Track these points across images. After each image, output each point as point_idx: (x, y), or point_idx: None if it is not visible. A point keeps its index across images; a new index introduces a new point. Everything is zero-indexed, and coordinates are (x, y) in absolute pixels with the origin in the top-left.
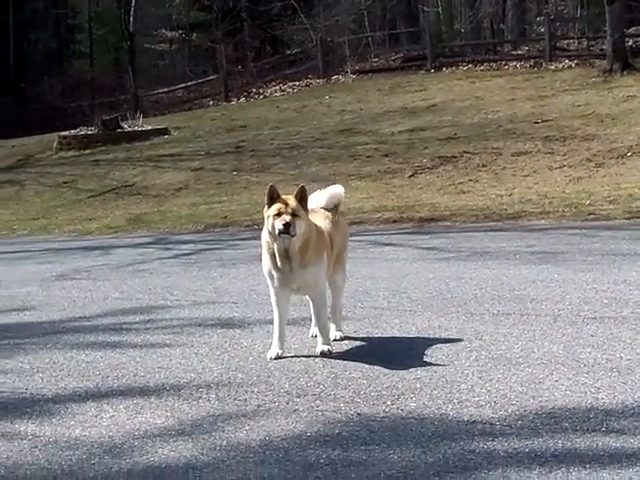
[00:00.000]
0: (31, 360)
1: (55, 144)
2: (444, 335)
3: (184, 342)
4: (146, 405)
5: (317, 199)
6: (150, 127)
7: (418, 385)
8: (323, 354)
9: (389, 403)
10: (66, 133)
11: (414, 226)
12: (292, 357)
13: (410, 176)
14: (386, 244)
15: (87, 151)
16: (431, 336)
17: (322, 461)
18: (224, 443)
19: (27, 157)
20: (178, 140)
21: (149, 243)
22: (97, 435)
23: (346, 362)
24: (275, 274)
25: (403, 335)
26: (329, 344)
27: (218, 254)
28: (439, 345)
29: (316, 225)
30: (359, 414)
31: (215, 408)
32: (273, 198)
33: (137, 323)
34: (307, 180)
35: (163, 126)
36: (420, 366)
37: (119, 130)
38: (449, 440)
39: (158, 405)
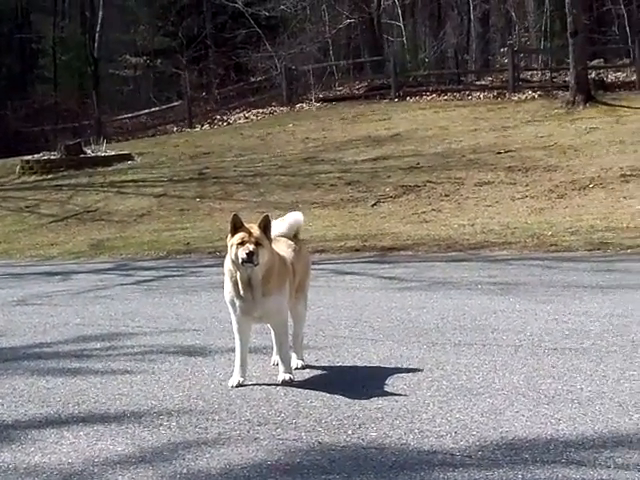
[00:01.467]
0: None
1: (18, 168)
2: (405, 365)
3: (145, 369)
4: (107, 432)
5: (278, 227)
6: (113, 152)
7: (379, 415)
8: (284, 382)
9: (350, 432)
10: (29, 157)
11: (376, 255)
12: (253, 385)
13: (373, 205)
14: (348, 273)
15: (50, 176)
16: (392, 365)
17: None
18: (184, 471)
19: None
20: (141, 166)
21: (111, 269)
22: (57, 462)
23: (307, 391)
24: (237, 302)
25: (364, 364)
26: (290, 372)
27: (180, 281)
28: (401, 374)
29: (279, 254)
30: (320, 443)
31: (176, 436)
32: (236, 227)
33: (98, 349)
34: (270, 208)
35: (126, 152)
36: (381, 395)
37: (82, 155)
38: (409, 470)
39: (119, 432)
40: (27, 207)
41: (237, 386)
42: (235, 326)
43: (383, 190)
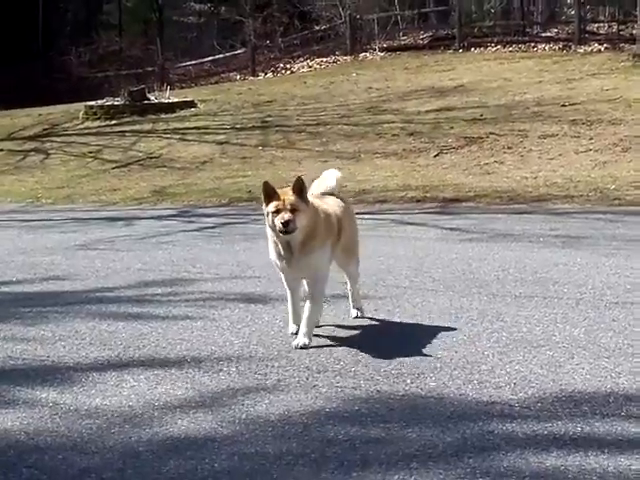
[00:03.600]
0: (53, 328)
1: (81, 114)
2: (465, 315)
3: (206, 315)
4: (167, 376)
5: (326, 183)
6: (176, 99)
7: (438, 365)
8: (298, 347)
9: (409, 382)
10: (92, 103)
11: (438, 206)
12: (313, 335)
13: (435, 156)
14: (409, 223)
15: (113, 122)
16: (452, 316)
17: (341, 437)
18: (243, 416)
19: (53, 126)
20: (204, 113)
21: (173, 215)
22: (117, 404)
23: (367, 340)
24: (279, 262)
25: (424, 314)
26: (309, 337)
27: (241, 228)
28: (460, 325)
29: (325, 211)
30: (379, 391)
31: (235, 381)
32: (270, 195)
33: (159, 295)
34: (332, 157)
35: (189, 99)
36: (441, 346)
37: (146, 102)
38: (468, 420)
39: (179, 377)
40: (90, 153)
41: (294, 333)
42: (283, 281)
43: (446, 141)
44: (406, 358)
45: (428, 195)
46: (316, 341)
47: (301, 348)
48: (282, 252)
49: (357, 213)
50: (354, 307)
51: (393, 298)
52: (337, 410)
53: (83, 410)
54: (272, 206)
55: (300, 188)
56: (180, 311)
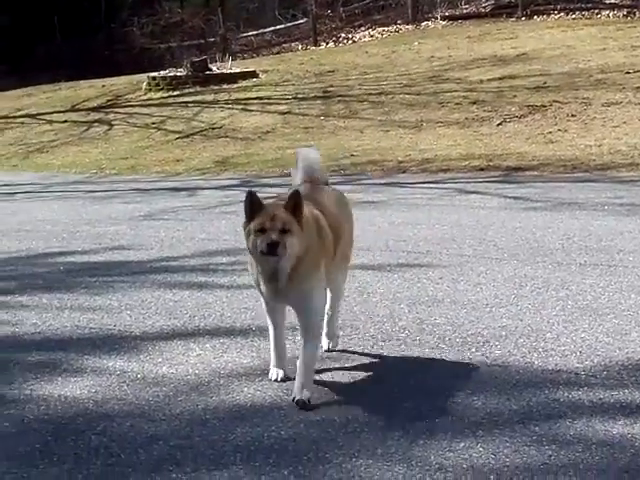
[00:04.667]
0: (119, 298)
1: (144, 85)
2: (530, 284)
3: None
4: (232, 345)
5: (305, 171)
6: (239, 70)
7: (503, 333)
8: (299, 404)
9: (474, 350)
10: (155, 74)
11: (501, 175)
12: (377, 302)
13: (498, 124)
14: (472, 192)
15: (176, 92)
16: (517, 285)
17: (406, 405)
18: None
19: (116, 97)
20: (266, 83)
21: (236, 185)
22: (184, 373)
23: (431, 308)
24: (262, 289)
25: (489, 283)
26: (309, 389)
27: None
28: (525, 294)
29: (317, 219)
30: (444, 360)
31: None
32: (254, 209)
33: (224, 264)
34: (394, 126)
35: (251, 69)
36: (505, 314)
37: (208, 72)
38: (533, 388)
39: (244, 345)
40: (153, 123)
41: (279, 381)
42: (265, 309)
43: (509, 110)
44: (471, 326)
45: (491, 164)
46: (380, 309)
47: (301, 407)
48: (266, 281)
49: (420, 183)
50: (328, 334)
51: (457, 267)
52: (402, 378)
53: (150, 378)
54: (256, 223)
55: (295, 205)
56: (244, 280)
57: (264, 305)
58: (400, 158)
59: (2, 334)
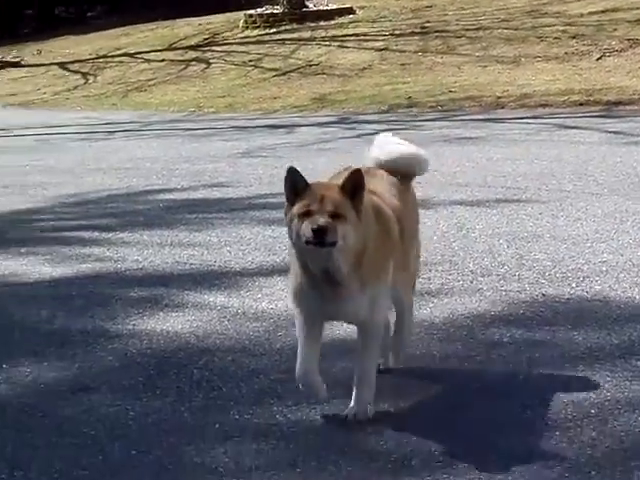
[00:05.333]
0: (219, 234)
1: (241, 23)
2: (631, 219)
3: None
4: None
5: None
6: (335, 6)
7: (604, 268)
8: (350, 419)
9: (574, 285)
10: (252, 12)
11: (601, 109)
12: (476, 237)
13: (598, 59)
14: (572, 127)
15: (272, 30)
16: (618, 220)
17: (505, 340)
18: None
19: (213, 35)
20: (363, 20)
21: (333, 122)
22: (284, 308)
23: (530, 244)
24: (307, 299)
25: (589, 218)
26: (365, 405)
27: (402, 135)
28: (626, 229)
29: (379, 209)
30: (544, 295)
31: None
32: (297, 189)
33: None
34: (492, 62)
35: (348, 5)
36: (606, 249)
37: (304, 9)
38: (634, 323)
39: None
40: (250, 61)
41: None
42: (300, 327)
43: (609, 43)
44: (571, 261)
45: (591, 99)
46: (479, 244)
47: (357, 419)
48: (315, 286)
49: (518, 118)
50: (395, 354)
51: (557, 202)
52: (502, 313)
53: (250, 313)
54: (300, 205)
55: (355, 188)
56: None
57: (300, 321)
58: (498, 94)
59: (104, 270)
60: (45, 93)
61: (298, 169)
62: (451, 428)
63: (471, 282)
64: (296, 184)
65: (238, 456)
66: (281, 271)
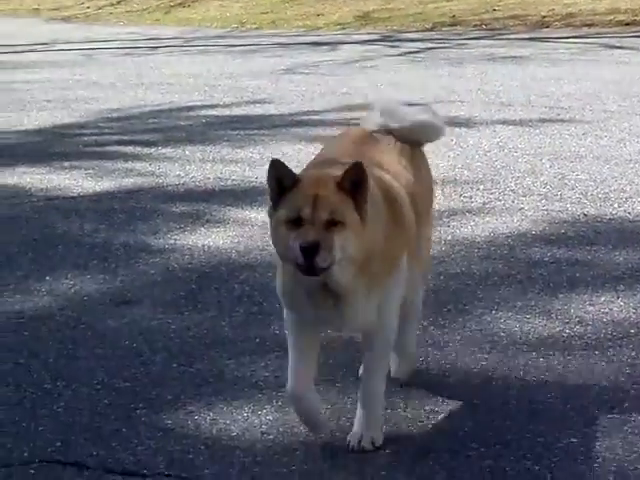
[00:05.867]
0: (261, 150)
1: None
2: None
3: None
4: None
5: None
6: None
7: None
8: (356, 449)
9: (616, 205)
10: None
11: None
12: (518, 157)
13: None
14: (617, 47)
15: None
16: None
17: (547, 259)
18: (449, 238)
19: None
20: None
21: (376, 40)
22: None
23: (573, 164)
24: (299, 306)
25: (633, 139)
26: (374, 432)
27: (445, 53)
28: None
29: (388, 191)
30: (585, 215)
31: (440, 204)
32: (283, 186)
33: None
34: None
35: None
36: None
37: None
38: None
39: None
40: None
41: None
42: (291, 330)
43: None
44: (614, 182)
45: (637, 18)
46: (521, 164)
47: (364, 449)
48: (312, 300)
49: (563, 38)
50: (398, 371)
51: (600, 122)
52: (543, 232)
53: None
54: (287, 210)
55: (357, 182)
56: None
57: (290, 323)
58: (543, 13)
59: (147, 185)
60: (88, 8)
61: (283, 161)
62: (490, 343)
63: (513, 201)
64: (282, 179)
65: (278, 370)
66: None
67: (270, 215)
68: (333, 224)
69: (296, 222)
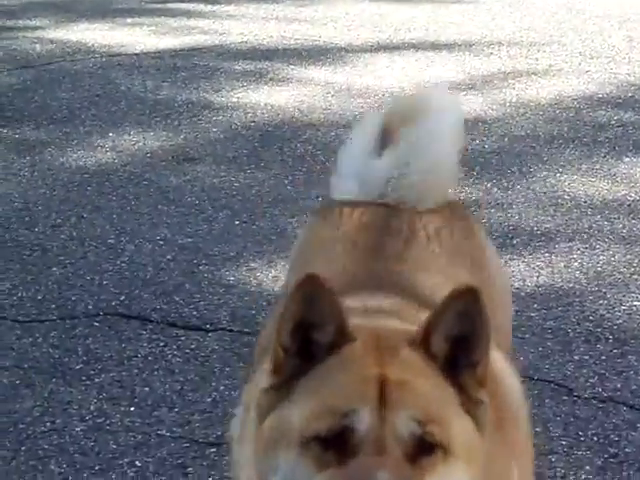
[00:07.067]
0: (324, 9)
1: None
2: None
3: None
4: (437, 59)
5: None
6: None
7: None
8: None
9: None
10: None
11: None
12: (586, 19)
13: None
14: None
15: None
16: None
17: (613, 122)
18: (514, 100)
19: None
20: None
21: None
22: (388, 85)
23: None
24: None
25: None
26: None
27: None
28: None
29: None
30: None
31: (506, 65)
32: (311, 338)
33: None
34: None
35: None
36: None
37: None
38: None
39: (449, 59)
40: None
41: None
42: None
43: None
44: None
45: None
46: (589, 25)
47: None
48: None
49: None
50: None
51: None
52: (610, 96)
53: (355, 89)
54: (320, 410)
55: (466, 342)
56: None
57: None
58: None
59: (209, 43)
60: None
61: (326, 283)
62: (554, 205)
63: (579, 64)
64: (312, 324)
65: None
66: (386, 48)
67: (263, 402)
68: (425, 451)
69: (336, 443)
